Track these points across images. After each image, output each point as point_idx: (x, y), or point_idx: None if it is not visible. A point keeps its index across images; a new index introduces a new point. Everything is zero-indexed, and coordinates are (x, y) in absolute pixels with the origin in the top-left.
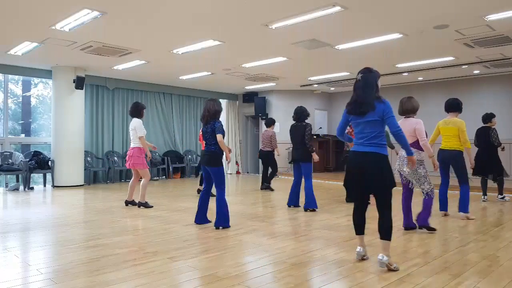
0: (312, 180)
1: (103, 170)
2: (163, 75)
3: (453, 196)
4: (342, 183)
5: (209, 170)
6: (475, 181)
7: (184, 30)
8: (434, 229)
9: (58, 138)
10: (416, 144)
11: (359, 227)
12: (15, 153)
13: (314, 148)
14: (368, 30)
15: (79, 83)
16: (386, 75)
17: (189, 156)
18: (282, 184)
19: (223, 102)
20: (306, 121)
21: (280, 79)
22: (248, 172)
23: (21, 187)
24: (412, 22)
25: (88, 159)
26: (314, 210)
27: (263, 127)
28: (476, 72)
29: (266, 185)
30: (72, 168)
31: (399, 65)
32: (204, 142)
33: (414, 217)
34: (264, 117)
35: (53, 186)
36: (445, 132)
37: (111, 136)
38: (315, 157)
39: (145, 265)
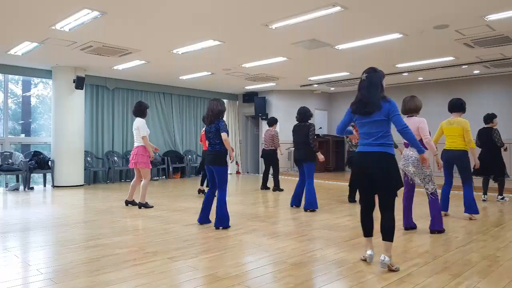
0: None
1: (103, 170)
2: (163, 75)
3: (454, 196)
4: (342, 183)
5: (213, 169)
6: (476, 180)
7: (184, 30)
8: (443, 230)
9: (58, 138)
10: (420, 143)
11: (368, 229)
12: (15, 153)
13: (318, 148)
14: (368, 30)
15: (79, 83)
16: (386, 75)
17: (189, 156)
18: (282, 184)
19: None
20: (309, 121)
21: (280, 79)
22: (248, 172)
23: (21, 187)
24: (412, 22)
25: (88, 159)
26: (314, 211)
27: (263, 127)
28: (476, 72)
29: (275, 187)
30: (72, 168)
31: (399, 65)
32: (207, 142)
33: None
34: (264, 117)
35: (53, 186)
36: (449, 132)
37: (111, 136)
38: (320, 156)
39: (145, 265)
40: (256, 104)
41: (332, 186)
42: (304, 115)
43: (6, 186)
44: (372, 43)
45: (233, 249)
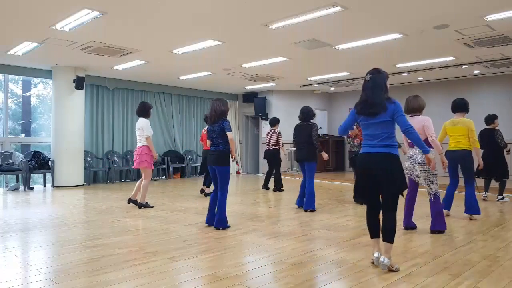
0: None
1: (103, 170)
2: (163, 75)
3: (455, 196)
4: (342, 183)
5: (216, 169)
6: (478, 180)
7: (184, 30)
8: (444, 230)
9: (58, 138)
10: (425, 142)
11: (374, 230)
12: (15, 153)
13: (321, 147)
14: (368, 30)
15: (79, 83)
16: None
17: (189, 156)
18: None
19: None
20: (312, 121)
21: (280, 79)
22: (248, 172)
23: (21, 187)
24: (412, 22)
25: (88, 159)
26: (313, 211)
27: (263, 127)
28: (476, 72)
29: (275, 187)
30: (72, 168)
31: (399, 65)
32: (210, 141)
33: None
34: (264, 117)
35: (53, 186)
36: (454, 132)
37: (111, 136)
38: (325, 155)
39: (145, 265)
40: (256, 104)
41: (332, 186)
42: (307, 114)
43: (6, 186)
44: (372, 43)
45: (233, 249)
